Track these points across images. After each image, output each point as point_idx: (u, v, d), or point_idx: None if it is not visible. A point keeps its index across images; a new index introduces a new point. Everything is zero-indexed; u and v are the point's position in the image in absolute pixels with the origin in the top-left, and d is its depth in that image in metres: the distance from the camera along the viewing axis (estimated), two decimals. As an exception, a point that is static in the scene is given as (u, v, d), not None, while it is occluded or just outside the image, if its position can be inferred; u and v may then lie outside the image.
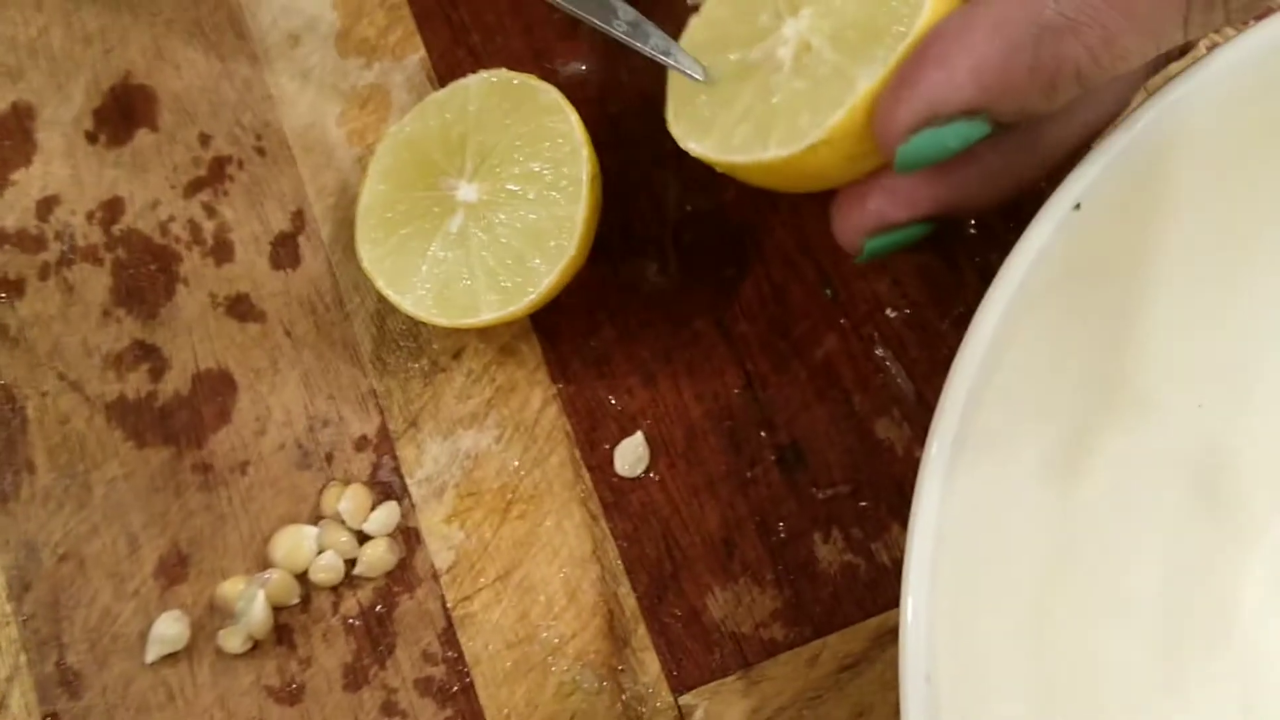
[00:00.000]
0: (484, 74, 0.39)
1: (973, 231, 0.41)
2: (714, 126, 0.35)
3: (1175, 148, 0.32)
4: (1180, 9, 0.27)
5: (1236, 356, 0.36)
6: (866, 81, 0.30)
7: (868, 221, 0.33)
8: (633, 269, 0.42)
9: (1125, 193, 0.32)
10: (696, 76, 0.36)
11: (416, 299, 0.38)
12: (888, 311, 0.41)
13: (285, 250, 0.42)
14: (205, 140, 0.44)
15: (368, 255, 0.39)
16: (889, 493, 0.39)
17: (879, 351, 0.40)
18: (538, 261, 0.38)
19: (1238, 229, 0.34)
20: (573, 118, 0.38)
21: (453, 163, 0.39)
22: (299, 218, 0.43)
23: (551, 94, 0.38)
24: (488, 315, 0.38)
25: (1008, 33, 0.26)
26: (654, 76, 0.38)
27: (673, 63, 0.36)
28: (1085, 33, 0.26)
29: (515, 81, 0.39)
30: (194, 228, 0.43)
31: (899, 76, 0.29)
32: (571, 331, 0.41)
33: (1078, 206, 0.31)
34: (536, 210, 0.38)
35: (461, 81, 0.39)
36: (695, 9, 0.38)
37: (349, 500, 0.40)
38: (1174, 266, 0.34)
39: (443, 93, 0.40)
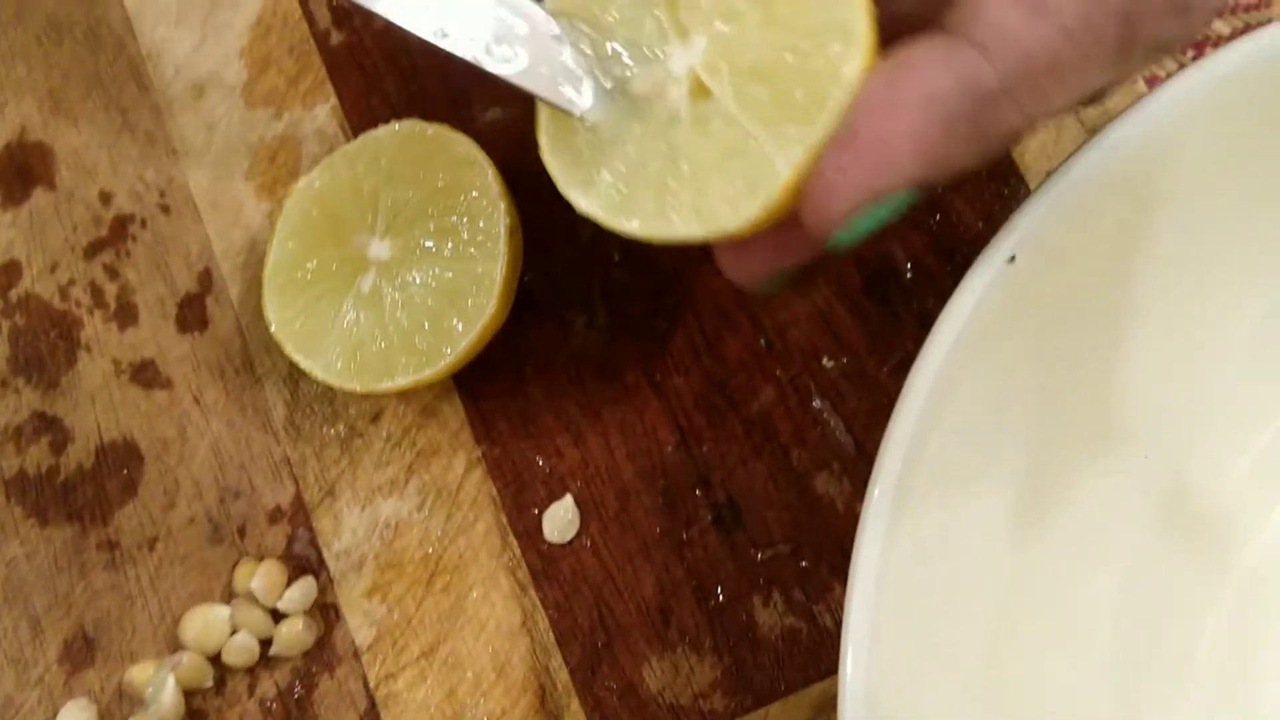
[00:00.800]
0: (395, 125, 0.37)
1: (909, 277, 0.39)
2: (599, 173, 0.29)
3: (1113, 190, 0.31)
4: (1104, 63, 0.25)
5: (1185, 397, 0.35)
6: (787, 167, 0.26)
7: (773, 265, 0.30)
8: (559, 322, 0.40)
9: (1062, 237, 0.31)
10: (573, 111, 0.30)
11: (327, 364, 0.36)
12: (824, 361, 0.39)
13: (192, 312, 0.40)
14: (106, 198, 0.41)
15: (276, 318, 0.37)
16: (830, 551, 0.38)
17: (816, 403, 0.39)
18: (455, 321, 0.36)
19: (1181, 268, 0.33)
20: (489, 170, 0.36)
21: (364, 219, 0.37)
22: (206, 278, 0.41)
23: (467, 145, 0.37)
24: (403, 379, 0.36)
25: (945, 107, 0.25)
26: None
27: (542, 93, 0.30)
28: (1021, 97, 0.25)
29: (429, 132, 0.37)
30: (95, 291, 0.41)
31: (831, 164, 0.26)
32: (496, 390, 0.39)
33: (1013, 259, 0.29)
34: (453, 267, 0.36)
35: (372, 133, 0.38)
36: None
37: (263, 576, 0.38)
38: (1117, 308, 0.33)
39: (353, 145, 0.38)
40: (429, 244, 0.36)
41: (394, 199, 0.37)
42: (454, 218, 0.36)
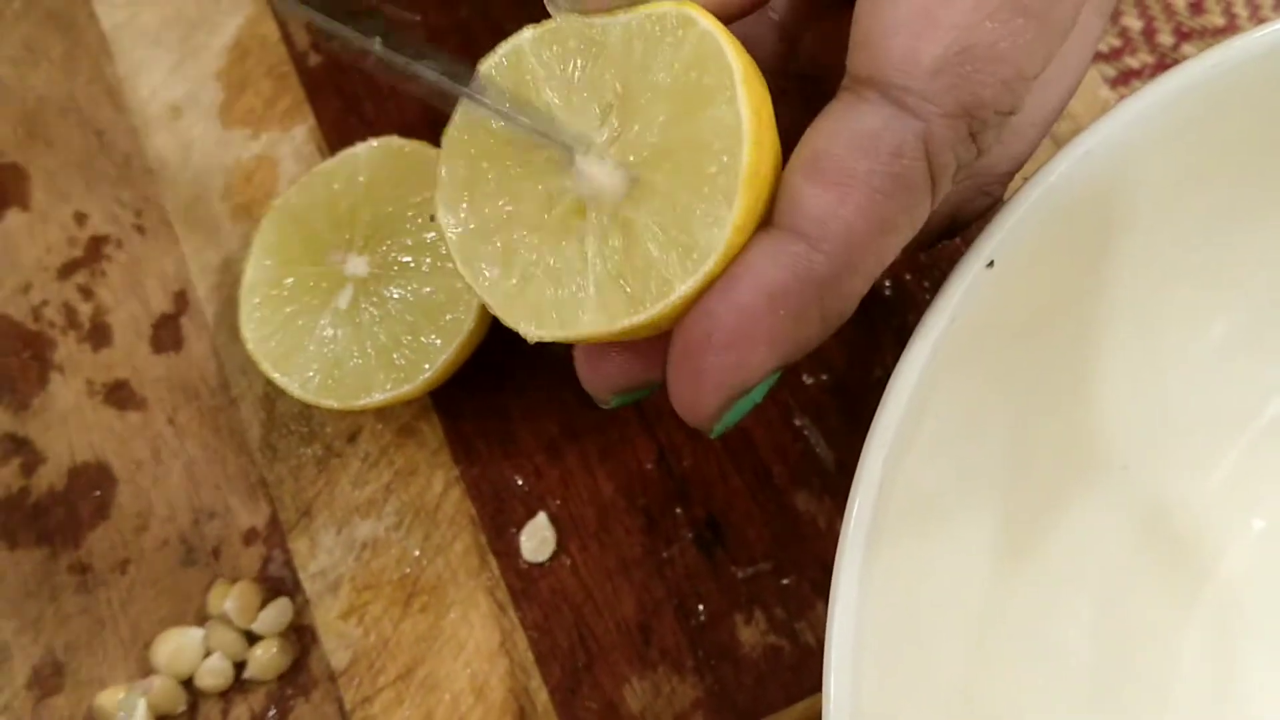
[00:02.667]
0: (373, 142, 0.37)
1: (888, 293, 0.40)
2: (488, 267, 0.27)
3: (1092, 199, 0.31)
4: (925, 203, 0.26)
5: (1159, 410, 0.35)
6: (683, 289, 0.25)
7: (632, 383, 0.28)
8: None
9: (1042, 247, 0.31)
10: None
11: (304, 381, 0.36)
12: (804, 378, 0.39)
13: (167, 333, 0.40)
14: (81, 219, 0.41)
15: (252, 336, 0.36)
16: (812, 569, 0.37)
17: (797, 420, 0.39)
18: (433, 337, 0.36)
19: (1151, 280, 0.33)
20: None
21: (341, 236, 0.37)
22: (181, 298, 0.40)
23: None
24: (380, 396, 0.35)
25: (788, 300, 0.25)
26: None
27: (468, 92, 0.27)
28: (859, 266, 0.25)
29: (406, 149, 0.37)
30: (69, 311, 0.40)
31: (688, 372, 0.25)
32: (474, 409, 0.39)
33: (991, 264, 0.29)
34: (431, 283, 0.36)
35: (350, 150, 0.38)
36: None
37: (236, 598, 0.37)
38: (1089, 321, 0.33)
39: (330, 163, 0.38)
40: (407, 260, 0.36)
41: (371, 215, 0.37)
42: (432, 233, 0.36)
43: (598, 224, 0.26)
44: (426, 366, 0.35)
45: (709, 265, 0.25)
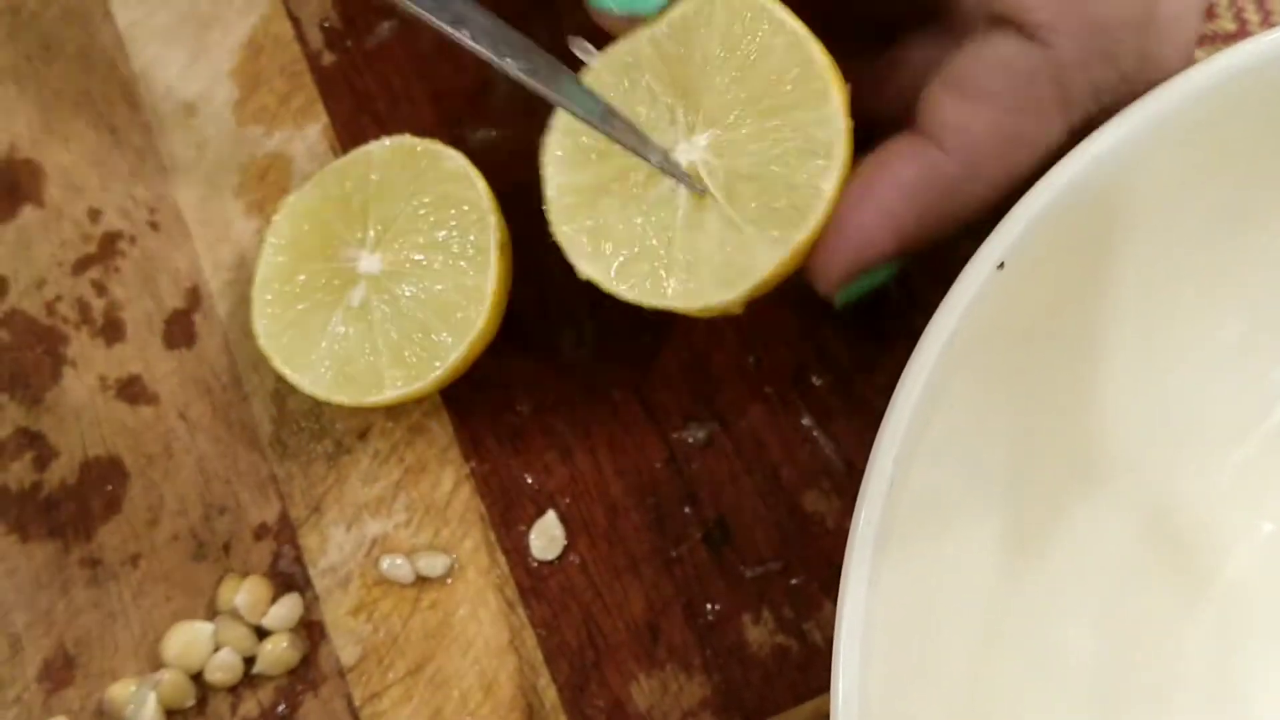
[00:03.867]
0: (386, 140, 0.37)
1: (897, 295, 0.40)
2: (601, 243, 0.33)
3: (1100, 202, 0.31)
4: (1051, 122, 0.29)
5: (1166, 411, 0.35)
6: (769, 263, 0.31)
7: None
8: (547, 339, 0.40)
9: (1050, 249, 0.31)
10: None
11: (315, 377, 0.36)
12: (813, 379, 0.39)
13: (180, 329, 0.40)
14: (95, 215, 0.41)
15: (264, 331, 0.37)
16: (820, 568, 0.37)
17: (805, 420, 0.39)
18: (445, 335, 0.36)
19: (1159, 281, 0.33)
20: (480, 184, 0.36)
21: (354, 233, 0.37)
22: (194, 294, 0.41)
23: (457, 160, 0.37)
24: (392, 392, 0.36)
25: (914, 196, 0.29)
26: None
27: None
28: (982, 174, 0.29)
29: (419, 148, 0.37)
30: (83, 307, 0.40)
31: (826, 245, 0.31)
32: (484, 407, 0.39)
33: (1001, 265, 0.29)
34: (443, 281, 0.36)
35: (363, 148, 0.38)
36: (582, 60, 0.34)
37: (247, 593, 0.37)
38: (1097, 322, 0.33)
39: (343, 160, 0.38)
40: (419, 257, 0.36)
41: (384, 213, 0.37)
42: (444, 231, 0.36)
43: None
44: (438, 364, 0.36)
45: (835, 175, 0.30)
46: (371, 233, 0.37)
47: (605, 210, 0.33)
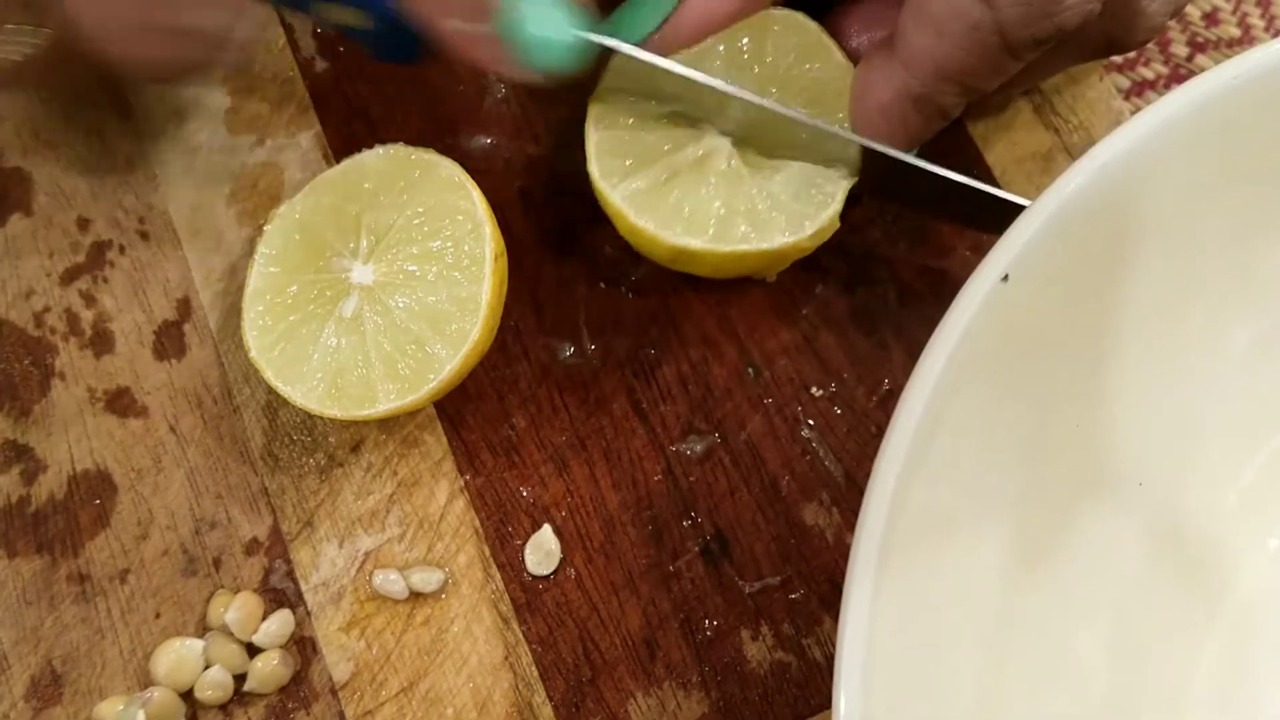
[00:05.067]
0: (380, 149, 0.37)
1: (897, 304, 0.39)
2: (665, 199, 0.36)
3: (1103, 212, 0.31)
4: (996, 59, 0.33)
5: (1175, 426, 0.34)
6: (784, 239, 0.36)
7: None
8: (544, 350, 0.39)
9: (1055, 260, 0.31)
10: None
11: (307, 390, 0.35)
12: (813, 390, 0.38)
13: (170, 340, 0.40)
14: (84, 224, 0.41)
15: (255, 343, 0.36)
16: (820, 583, 0.37)
17: (805, 433, 0.38)
18: (439, 346, 0.35)
19: (1167, 294, 0.33)
20: (474, 193, 0.36)
21: (346, 243, 0.37)
22: (184, 305, 0.40)
23: (451, 169, 0.36)
24: (385, 405, 0.35)
25: (893, 109, 0.35)
26: (563, 150, 0.36)
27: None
28: (944, 90, 0.34)
29: (412, 156, 0.37)
30: (71, 318, 0.40)
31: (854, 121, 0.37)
32: (479, 419, 0.39)
33: (1006, 278, 0.29)
34: (437, 292, 0.36)
35: (357, 157, 0.37)
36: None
37: (238, 609, 0.36)
38: (1104, 335, 0.32)
39: (336, 170, 0.37)
40: (413, 268, 0.36)
41: (377, 223, 0.36)
42: (438, 242, 0.36)
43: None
44: (431, 377, 0.35)
45: None
46: (364, 243, 0.36)
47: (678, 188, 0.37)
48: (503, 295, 0.37)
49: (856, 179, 0.37)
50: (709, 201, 0.36)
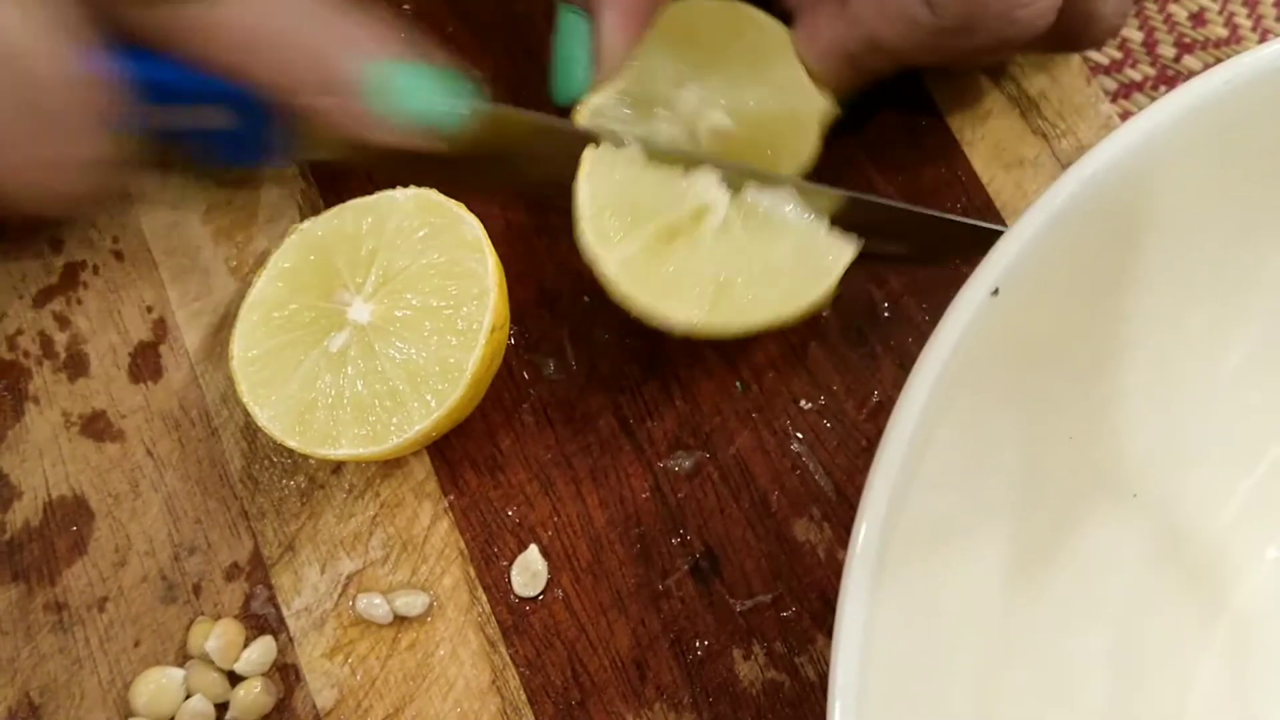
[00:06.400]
0: (413, 190, 0.36)
1: (886, 317, 0.38)
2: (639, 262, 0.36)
3: (1095, 222, 0.30)
4: (926, 40, 0.35)
5: (1172, 437, 0.34)
6: (786, 311, 0.35)
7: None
8: (528, 367, 0.39)
9: (1046, 271, 0.30)
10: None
11: (275, 414, 0.34)
12: (802, 403, 0.38)
13: (146, 362, 0.39)
14: (56, 245, 0.40)
15: (240, 354, 0.35)
16: (812, 600, 0.36)
17: (794, 447, 0.38)
18: (414, 405, 0.34)
19: (1163, 305, 0.32)
20: (490, 260, 0.35)
21: (354, 276, 0.36)
22: (160, 326, 0.39)
23: (475, 229, 0.35)
24: (346, 451, 0.34)
25: (833, 56, 0.37)
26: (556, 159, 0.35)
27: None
28: (876, 53, 0.36)
29: (441, 205, 0.36)
30: (45, 341, 0.39)
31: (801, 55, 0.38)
32: (463, 438, 0.38)
33: (996, 292, 0.28)
34: (427, 349, 0.34)
35: (389, 193, 0.36)
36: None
37: (219, 637, 0.36)
38: (1100, 346, 0.32)
39: (367, 199, 0.36)
40: (410, 317, 0.35)
41: (390, 263, 0.35)
42: (442, 299, 0.35)
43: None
44: (394, 436, 0.34)
45: None
46: (372, 279, 0.35)
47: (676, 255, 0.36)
48: (493, 369, 0.36)
49: (859, 248, 0.36)
50: (704, 269, 0.36)
